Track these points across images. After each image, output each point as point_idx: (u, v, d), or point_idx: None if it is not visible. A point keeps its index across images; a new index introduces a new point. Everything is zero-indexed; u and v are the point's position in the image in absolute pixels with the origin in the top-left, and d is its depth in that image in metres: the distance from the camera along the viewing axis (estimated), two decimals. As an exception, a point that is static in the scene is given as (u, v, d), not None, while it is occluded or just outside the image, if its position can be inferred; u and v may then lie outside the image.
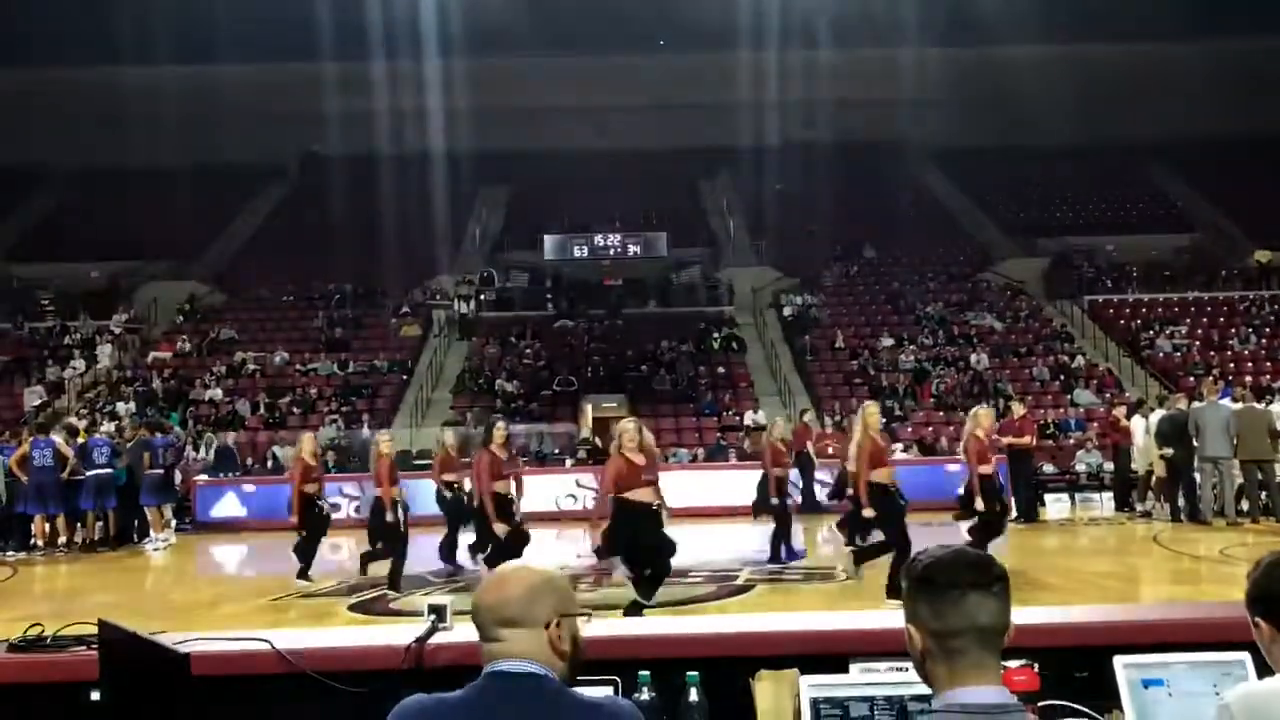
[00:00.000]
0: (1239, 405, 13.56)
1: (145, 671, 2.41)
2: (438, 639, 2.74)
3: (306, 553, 10.24)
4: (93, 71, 30.16)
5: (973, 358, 23.12)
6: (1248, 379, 20.06)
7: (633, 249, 29.33)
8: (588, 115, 32.83)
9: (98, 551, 13.64)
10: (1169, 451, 13.17)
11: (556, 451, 19.98)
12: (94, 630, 2.65)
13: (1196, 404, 13.63)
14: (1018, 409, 15.43)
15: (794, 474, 13.71)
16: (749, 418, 21.05)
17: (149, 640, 2.48)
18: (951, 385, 22.08)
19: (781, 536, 10.87)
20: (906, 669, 2.27)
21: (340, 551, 12.19)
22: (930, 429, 20.36)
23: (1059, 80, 29.91)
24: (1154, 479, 13.99)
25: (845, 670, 2.61)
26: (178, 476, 16.85)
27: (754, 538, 12.01)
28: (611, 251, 29.28)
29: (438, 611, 2.83)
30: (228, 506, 16.66)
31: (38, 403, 21.25)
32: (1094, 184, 32.80)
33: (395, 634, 2.86)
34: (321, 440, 19.94)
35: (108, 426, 17.02)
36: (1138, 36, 30.55)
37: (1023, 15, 27.53)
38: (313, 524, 10.35)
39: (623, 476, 7.63)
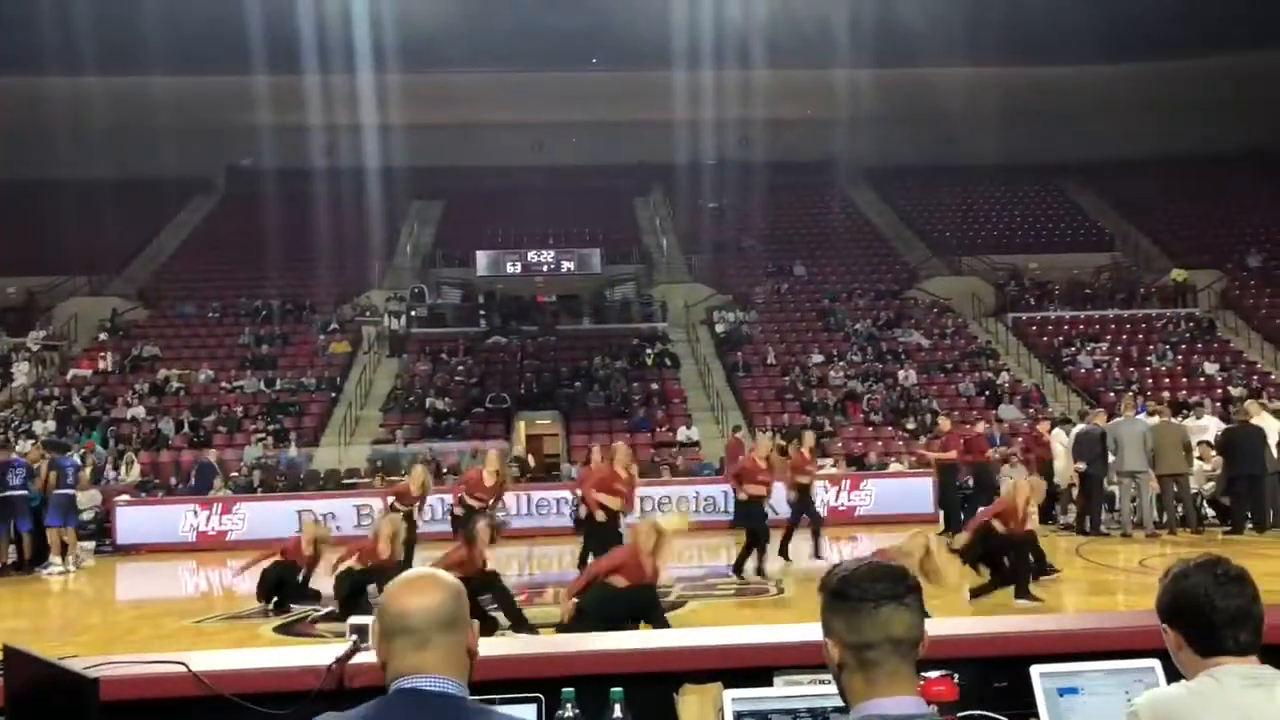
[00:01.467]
0: (1155, 420, 13.93)
1: (51, 698, 2.33)
2: (360, 659, 2.67)
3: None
4: (11, 81, 29.32)
5: (900, 374, 23.49)
6: (1165, 394, 20.68)
7: (566, 265, 29.27)
8: (521, 131, 32.81)
9: (9, 575, 13.19)
10: (1083, 466, 13.50)
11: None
12: (-2, 657, 2.55)
13: (1115, 419, 13.97)
14: (944, 424, 15.70)
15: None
16: (682, 434, 21.13)
17: (55, 665, 2.40)
18: (879, 401, 22.40)
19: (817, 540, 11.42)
20: (829, 681, 2.29)
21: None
22: (860, 444, 20.63)
23: (985, 101, 30.65)
24: (1075, 493, 14.31)
25: (769, 683, 2.62)
26: (97, 497, 16.42)
27: (684, 552, 11.99)
28: (545, 268, 29.18)
29: (360, 631, 2.77)
30: (149, 527, 16.17)
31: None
32: (1018, 204, 33.64)
33: (316, 654, 2.80)
34: (246, 460, 19.59)
35: (23, 446, 16.49)
36: (1060, 60, 31.42)
37: (951, 38, 28.15)
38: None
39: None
